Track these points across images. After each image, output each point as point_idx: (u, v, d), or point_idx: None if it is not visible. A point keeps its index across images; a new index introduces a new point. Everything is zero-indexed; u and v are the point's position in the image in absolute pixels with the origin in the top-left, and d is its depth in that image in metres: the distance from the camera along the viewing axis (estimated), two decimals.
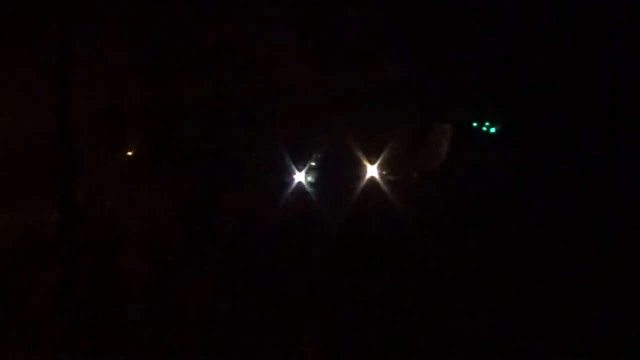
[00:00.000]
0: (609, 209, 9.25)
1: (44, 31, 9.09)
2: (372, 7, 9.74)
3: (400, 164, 10.07)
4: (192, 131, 9.99)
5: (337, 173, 10.09)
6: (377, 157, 9.93)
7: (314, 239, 9.64)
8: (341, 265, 9.49)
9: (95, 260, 9.45)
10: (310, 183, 10.02)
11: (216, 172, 10.00)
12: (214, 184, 9.96)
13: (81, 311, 9.03)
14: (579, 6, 9.44)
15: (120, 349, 8.74)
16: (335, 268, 9.46)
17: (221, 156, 10.05)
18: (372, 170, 9.95)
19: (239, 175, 9.99)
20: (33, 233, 9.53)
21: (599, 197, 9.32)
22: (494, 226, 9.52)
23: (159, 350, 8.77)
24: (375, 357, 8.83)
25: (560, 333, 8.52)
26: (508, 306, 8.93)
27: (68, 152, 9.13)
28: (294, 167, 9.97)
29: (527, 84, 9.79)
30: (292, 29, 9.68)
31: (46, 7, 9.07)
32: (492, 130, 10.26)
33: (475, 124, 10.29)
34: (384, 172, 9.98)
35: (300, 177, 10.01)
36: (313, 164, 10.05)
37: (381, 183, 9.94)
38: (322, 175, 10.08)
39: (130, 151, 10.08)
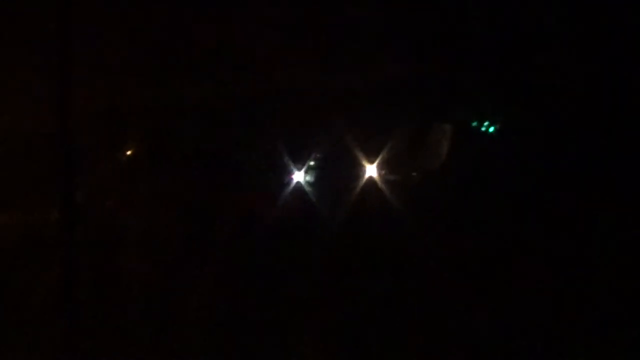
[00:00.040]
0: (608, 209, 9.25)
1: (43, 31, 9.08)
2: (372, 7, 9.73)
3: (399, 163, 10.07)
4: (192, 131, 9.99)
5: (336, 173, 10.09)
6: (376, 157, 9.93)
7: (313, 239, 9.65)
8: (340, 265, 9.49)
9: (95, 260, 9.45)
10: (309, 183, 10.02)
11: (215, 172, 10.00)
12: (212, 184, 9.96)
13: (81, 311, 9.03)
14: (578, 6, 9.45)
15: (120, 349, 8.74)
16: (334, 268, 9.46)
17: (220, 156, 10.05)
18: (371, 170, 9.95)
19: (237, 175, 10.00)
20: (33, 233, 9.53)
21: (599, 197, 9.33)
22: (493, 226, 9.52)
23: (159, 350, 8.77)
24: (375, 357, 8.83)
25: (560, 333, 8.52)
26: (507, 306, 8.94)
27: (68, 152, 9.11)
28: (292, 167, 9.97)
29: (526, 84, 9.80)
30: (292, 29, 9.67)
31: (46, 7, 9.06)
32: (491, 129, 10.25)
33: (474, 124, 10.28)
34: (382, 172, 9.98)
35: (299, 176, 10.00)
36: (312, 163, 10.05)
37: (380, 183, 9.94)
38: (321, 175, 10.08)
39: (130, 151, 10.08)
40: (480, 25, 9.74)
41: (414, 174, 10.30)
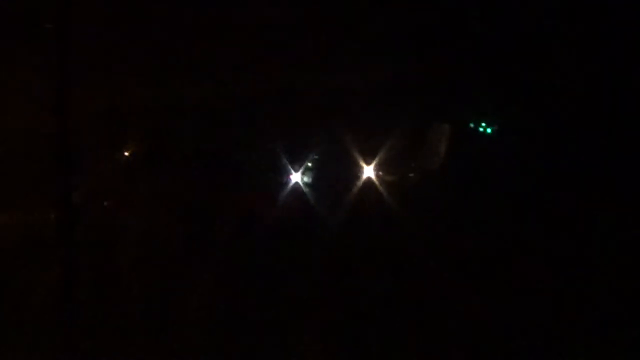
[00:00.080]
0: (605, 209, 9.29)
1: (44, 31, 9.08)
2: (372, 7, 9.75)
3: (396, 164, 10.08)
4: (190, 131, 9.99)
5: (334, 173, 10.10)
6: (374, 158, 9.94)
7: (310, 239, 9.65)
8: (337, 265, 9.50)
9: (95, 260, 9.45)
10: (306, 183, 10.03)
11: (213, 172, 10.01)
12: (210, 184, 9.96)
13: (81, 311, 9.02)
14: (577, 6, 9.47)
15: (119, 349, 8.72)
16: (331, 267, 9.47)
17: (218, 156, 10.06)
18: (368, 171, 9.96)
19: (235, 175, 10.00)
20: (33, 233, 9.52)
21: (596, 197, 9.37)
22: (491, 225, 9.55)
23: (159, 350, 8.75)
24: (375, 356, 8.83)
25: (560, 333, 8.53)
26: (505, 305, 8.94)
27: (68, 152, 9.11)
28: (290, 168, 9.98)
29: (523, 85, 9.83)
30: (292, 29, 9.68)
31: (46, 7, 9.05)
32: (489, 130, 10.28)
33: (472, 124, 10.30)
34: (380, 172, 9.99)
35: (297, 177, 10.01)
36: (310, 164, 10.05)
37: (377, 183, 9.95)
38: (318, 176, 10.09)
39: (129, 151, 10.07)
40: (475, 28, 9.77)
41: (411, 174, 10.31)
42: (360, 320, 9.01)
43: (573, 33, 9.55)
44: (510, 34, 9.73)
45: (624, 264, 8.92)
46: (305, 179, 10.04)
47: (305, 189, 9.99)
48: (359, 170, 9.94)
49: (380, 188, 9.95)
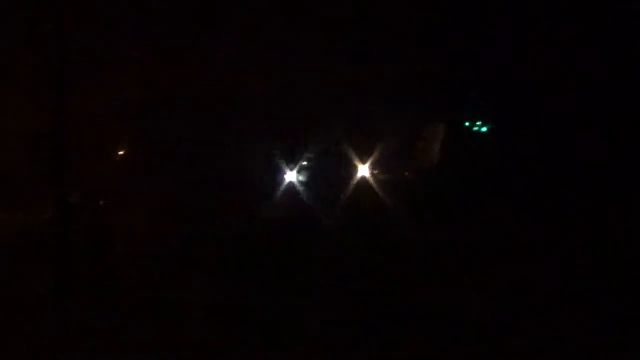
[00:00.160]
0: (604, 208, 9.34)
1: (42, 32, 9.05)
2: (366, 8, 9.75)
3: (391, 163, 10.09)
4: (187, 131, 9.98)
5: (329, 173, 10.10)
6: (369, 157, 9.95)
7: (306, 238, 9.66)
8: (333, 264, 9.51)
9: (92, 259, 9.43)
10: (301, 182, 10.03)
11: (207, 172, 9.99)
12: (205, 183, 9.95)
13: (79, 310, 9.00)
14: (577, 6, 9.51)
15: (117, 348, 8.70)
16: (327, 266, 9.47)
17: (212, 156, 10.04)
18: (363, 170, 9.97)
19: (230, 174, 9.99)
20: (30, 232, 9.48)
21: (593, 196, 9.41)
22: (486, 224, 9.58)
23: (158, 349, 8.74)
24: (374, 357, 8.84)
25: (561, 333, 8.56)
26: (504, 305, 8.97)
27: (64, 152, 9.08)
28: (285, 167, 9.98)
29: (519, 85, 9.86)
30: (290, 28, 9.67)
31: (45, 7, 9.02)
32: (484, 129, 10.30)
33: (467, 123, 10.32)
34: (375, 172, 10.00)
35: (291, 176, 10.01)
36: (304, 163, 10.06)
37: (372, 182, 9.97)
38: (313, 175, 10.09)
39: (126, 151, 10.05)
40: (471, 27, 9.79)
41: (406, 173, 10.33)
42: (356, 319, 9.03)
43: (569, 32, 9.57)
44: (505, 34, 9.75)
45: (624, 264, 8.97)
46: (301, 177, 10.03)
47: (301, 188, 9.99)
48: (354, 169, 9.93)
49: (375, 187, 9.95)
